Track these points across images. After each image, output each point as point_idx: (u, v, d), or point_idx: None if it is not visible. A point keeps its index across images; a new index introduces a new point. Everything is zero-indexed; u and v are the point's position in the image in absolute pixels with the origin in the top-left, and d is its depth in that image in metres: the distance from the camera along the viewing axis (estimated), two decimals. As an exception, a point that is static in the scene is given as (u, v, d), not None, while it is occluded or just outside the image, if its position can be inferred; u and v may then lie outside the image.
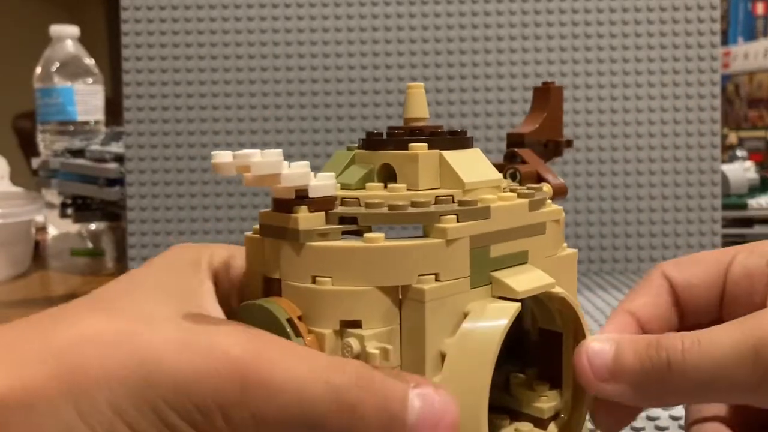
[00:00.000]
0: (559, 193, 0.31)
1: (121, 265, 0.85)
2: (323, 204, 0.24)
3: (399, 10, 0.75)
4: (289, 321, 0.23)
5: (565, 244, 0.30)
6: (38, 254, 0.94)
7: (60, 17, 1.29)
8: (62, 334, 0.22)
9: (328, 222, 0.24)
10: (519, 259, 0.26)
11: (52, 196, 0.92)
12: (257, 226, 0.26)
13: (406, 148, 0.27)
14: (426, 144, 0.27)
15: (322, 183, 0.25)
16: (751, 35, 1.66)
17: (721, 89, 0.83)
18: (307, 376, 0.21)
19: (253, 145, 0.75)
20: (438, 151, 0.27)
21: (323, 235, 0.24)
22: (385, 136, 0.28)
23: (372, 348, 0.23)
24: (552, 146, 0.35)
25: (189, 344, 0.21)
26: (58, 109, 0.97)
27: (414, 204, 0.25)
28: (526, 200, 0.27)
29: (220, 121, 0.76)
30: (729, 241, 0.82)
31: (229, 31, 0.75)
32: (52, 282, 0.84)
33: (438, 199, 0.25)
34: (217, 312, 0.25)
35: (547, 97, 0.34)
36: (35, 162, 0.93)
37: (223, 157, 0.23)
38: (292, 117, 0.76)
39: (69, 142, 0.89)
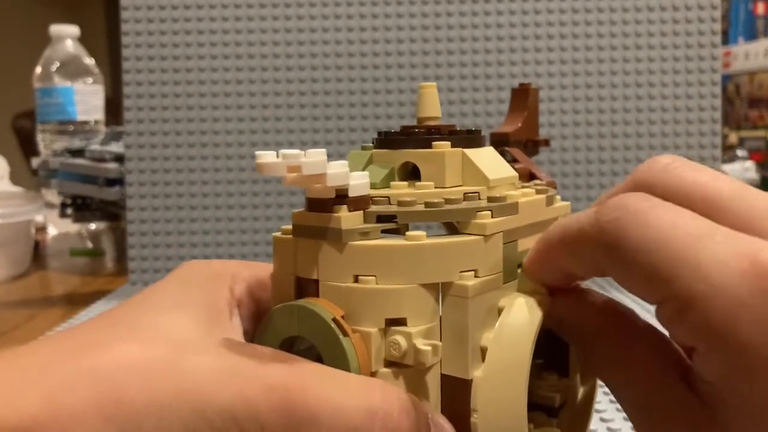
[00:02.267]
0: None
1: (121, 265, 0.85)
2: (360, 203, 0.25)
3: (399, 10, 0.75)
4: (335, 320, 0.23)
5: None
6: (38, 254, 0.94)
7: (60, 17, 1.29)
8: (98, 360, 0.21)
9: (366, 221, 0.24)
10: None
11: (52, 196, 0.92)
12: (286, 227, 0.26)
13: (429, 147, 0.27)
14: (449, 142, 0.27)
15: (360, 182, 0.25)
16: (751, 35, 1.66)
17: (722, 89, 0.83)
18: (349, 404, 0.22)
19: (253, 145, 0.75)
20: (460, 149, 0.27)
21: (364, 234, 0.24)
22: (404, 135, 0.28)
23: (421, 345, 0.23)
24: (531, 145, 0.36)
25: (232, 374, 0.21)
26: (58, 109, 0.97)
27: (447, 201, 0.25)
28: (543, 196, 0.27)
29: (220, 121, 0.75)
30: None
31: (229, 31, 0.75)
32: (52, 282, 0.84)
33: (466, 196, 0.25)
34: (240, 332, 0.25)
35: (525, 97, 0.36)
36: (35, 162, 0.93)
37: (269, 157, 0.23)
38: (292, 117, 0.76)
39: (69, 142, 0.89)
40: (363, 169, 0.28)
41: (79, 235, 0.99)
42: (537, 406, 0.29)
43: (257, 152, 0.23)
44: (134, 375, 0.21)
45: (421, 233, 0.24)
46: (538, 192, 0.28)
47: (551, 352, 0.29)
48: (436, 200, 0.24)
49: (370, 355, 0.23)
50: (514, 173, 0.28)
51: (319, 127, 0.76)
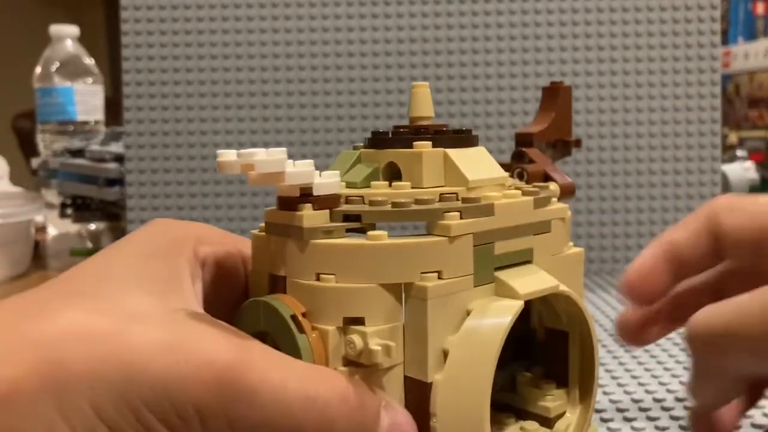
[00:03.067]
0: (566, 193, 0.31)
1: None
2: (327, 202, 0.25)
3: (399, 10, 0.75)
4: (293, 317, 0.23)
5: (571, 243, 0.30)
6: (38, 254, 0.94)
7: (60, 17, 1.28)
8: (42, 327, 0.21)
9: (332, 220, 0.25)
10: (524, 257, 0.26)
11: (52, 196, 0.92)
12: (264, 224, 0.26)
13: (411, 147, 0.27)
14: (430, 142, 0.27)
15: (327, 181, 0.25)
16: (751, 35, 1.66)
17: (722, 89, 0.83)
18: (288, 387, 0.21)
19: (254, 145, 0.75)
20: (442, 149, 0.27)
21: (327, 233, 0.24)
22: (390, 135, 0.28)
23: (374, 345, 0.23)
24: (561, 146, 0.35)
25: (173, 347, 0.21)
26: (58, 109, 0.96)
27: (418, 201, 0.25)
28: (531, 198, 0.27)
29: (220, 121, 0.75)
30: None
31: (229, 31, 0.75)
32: (52, 282, 0.83)
33: (442, 197, 0.25)
34: (198, 304, 0.25)
35: (555, 96, 0.35)
36: (35, 162, 0.93)
37: (227, 155, 0.23)
38: (292, 117, 0.76)
39: (69, 142, 0.89)
40: (350, 168, 0.28)
41: (79, 235, 0.99)
42: (532, 416, 0.28)
43: (218, 151, 0.23)
44: (75, 344, 0.21)
45: (382, 233, 0.24)
46: (525, 194, 0.27)
47: (551, 362, 0.29)
48: (403, 200, 0.24)
49: (328, 353, 0.23)
50: (503, 174, 0.28)
51: (319, 127, 0.76)
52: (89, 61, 1.00)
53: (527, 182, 0.31)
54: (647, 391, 0.41)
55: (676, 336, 0.48)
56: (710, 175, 0.76)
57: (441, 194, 0.25)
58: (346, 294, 0.23)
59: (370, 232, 0.24)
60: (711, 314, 0.24)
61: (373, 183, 0.27)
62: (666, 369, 0.45)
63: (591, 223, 0.75)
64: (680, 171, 0.76)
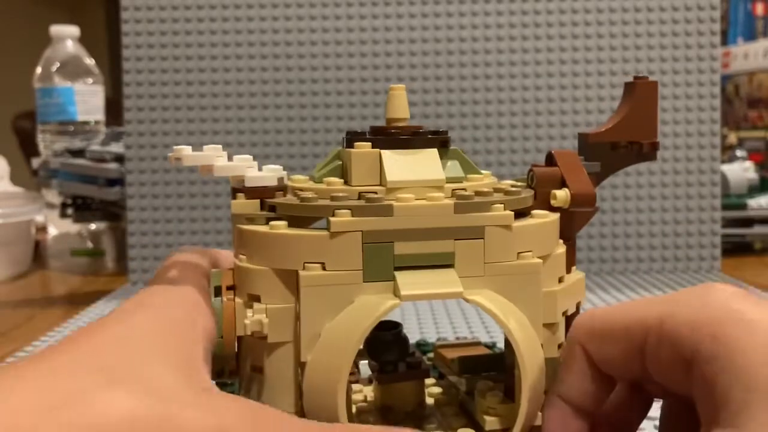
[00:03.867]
0: (578, 202, 0.29)
1: (121, 265, 0.85)
2: (261, 193, 0.28)
3: (399, 11, 0.75)
4: (217, 288, 0.27)
5: (559, 249, 0.28)
6: (38, 254, 0.94)
7: (60, 17, 1.29)
8: (83, 415, 0.19)
9: (262, 209, 0.28)
10: (439, 260, 0.26)
11: (52, 196, 0.92)
12: None
13: (353, 147, 0.29)
14: (369, 143, 0.28)
15: (260, 174, 0.28)
16: (751, 35, 1.66)
17: (721, 89, 0.83)
18: None
19: (253, 145, 0.75)
20: (378, 150, 0.28)
21: (250, 220, 0.28)
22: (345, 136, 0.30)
23: (248, 319, 0.26)
24: (636, 148, 0.31)
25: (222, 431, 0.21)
26: (58, 109, 0.97)
27: (333, 198, 0.26)
28: (451, 202, 0.26)
29: (219, 122, 0.76)
30: (728, 241, 0.82)
31: (229, 31, 0.75)
32: (52, 282, 0.84)
33: (361, 195, 0.27)
34: (209, 371, 0.25)
35: (632, 93, 0.32)
36: (35, 162, 0.93)
37: (180, 151, 0.27)
38: (292, 117, 0.76)
39: (69, 142, 0.89)
40: (325, 165, 0.30)
41: (80, 235, 0.99)
42: (475, 425, 0.28)
43: (174, 147, 0.28)
44: (122, 429, 0.19)
45: (282, 223, 0.27)
46: (456, 197, 0.27)
47: (509, 375, 0.28)
48: (309, 195, 0.27)
49: (235, 319, 0.27)
50: (437, 176, 0.28)
51: (318, 127, 0.76)
52: (89, 61, 1.00)
53: (535, 186, 0.29)
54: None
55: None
56: (710, 175, 0.76)
57: (360, 193, 0.27)
58: (246, 273, 0.27)
59: (272, 222, 0.27)
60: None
61: (325, 179, 0.29)
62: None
63: (591, 223, 0.75)
64: (680, 171, 0.76)
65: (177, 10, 0.75)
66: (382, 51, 0.75)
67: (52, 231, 1.06)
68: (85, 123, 0.98)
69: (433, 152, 0.29)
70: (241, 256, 0.27)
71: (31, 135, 1.08)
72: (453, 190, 0.28)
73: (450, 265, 0.26)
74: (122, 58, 0.75)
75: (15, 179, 1.17)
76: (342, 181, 0.29)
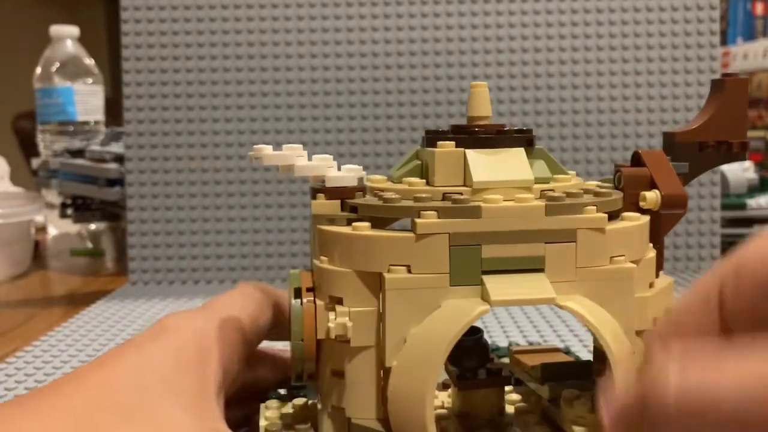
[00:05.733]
0: (669, 204, 0.28)
1: (121, 265, 0.85)
2: (342, 193, 0.27)
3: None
4: (297, 289, 0.27)
5: (652, 254, 0.27)
6: (38, 254, 0.94)
7: (60, 17, 1.29)
8: None
9: (343, 210, 0.27)
10: (528, 264, 0.25)
11: (52, 196, 0.92)
12: None
13: (435, 146, 0.28)
14: (453, 143, 0.27)
15: (340, 175, 0.28)
16: (750, 35, 1.67)
17: (721, 89, 0.83)
18: None
19: (253, 145, 0.75)
20: (462, 149, 0.27)
21: (331, 221, 0.27)
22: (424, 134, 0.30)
23: (332, 322, 0.25)
24: (725, 148, 0.30)
25: None
26: (58, 110, 0.97)
27: (416, 199, 0.26)
28: (541, 203, 0.25)
29: (220, 122, 0.76)
30: (728, 242, 0.82)
31: (229, 32, 0.75)
32: (52, 282, 0.84)
33: (445, 196, 0.26)
34: (221, 415, 0.26)
35: (719, 91, 0.30)
36: (35, 162, 0.93)
37: (262, 150, 0.28)
38: (292, 117, 0.76)
39: (69, 143, 0.89)
40: (404, 165, 0.29)
41: (80, 236, 0.99)
42: None
43: (255, 146, 0.28)
44: None
45: (365, 224, 0.26)
46: (547, 199, 0.26)
47: (597, 383, 0.27)
48: (392, 196, 0.26)
49: (316, 322, 0.26)
50: (526, 177, 0.27)
51: (318, 127, 0.76)
52: (89, 61, 1.00)
53: (622, 187, 0.28)
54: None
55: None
56: (709, 175, 0.76)
57: (444, 194, 0.26)
58: (329, 275, 0.26)
59: (354, 223, 0.26)
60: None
61: (405, 179, 0.28)
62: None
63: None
64: (679, 171, 0.76)
65: (177, 10, 0.75)
66: (382, 51, 0.75)
67: (52, 231, 1.06)
68: (85, 123, 0.98)
69: (520, 151, 0.28)
70: (322, 258, 0.27)
71: (31, 135, 1.08)
72: (541, 191, 0.27)
73: (540, 270, 0.25)
74: (122, 58, 0.75)
75: (15, 179, 1.17)
76: (423, 181, 0.28)
